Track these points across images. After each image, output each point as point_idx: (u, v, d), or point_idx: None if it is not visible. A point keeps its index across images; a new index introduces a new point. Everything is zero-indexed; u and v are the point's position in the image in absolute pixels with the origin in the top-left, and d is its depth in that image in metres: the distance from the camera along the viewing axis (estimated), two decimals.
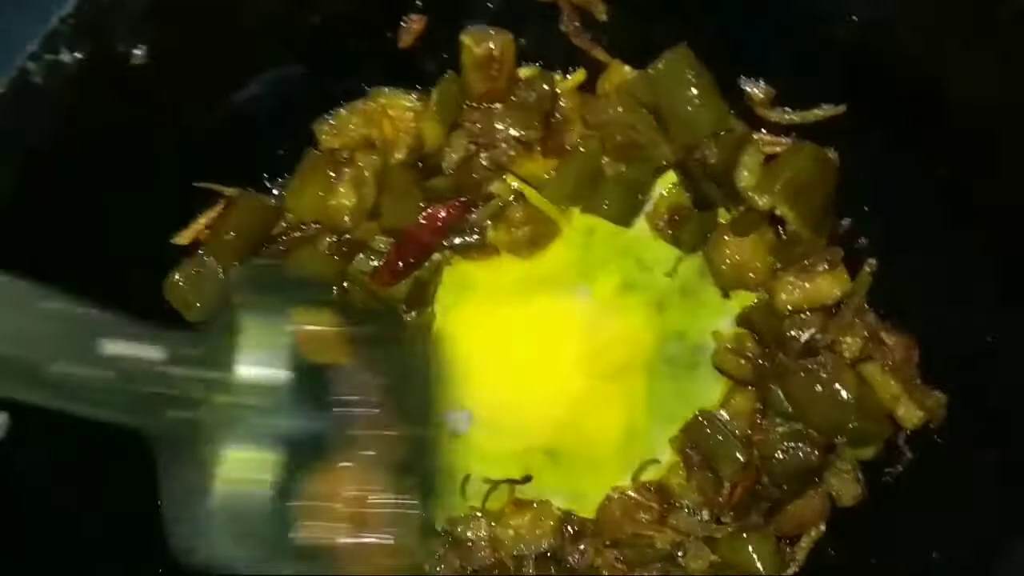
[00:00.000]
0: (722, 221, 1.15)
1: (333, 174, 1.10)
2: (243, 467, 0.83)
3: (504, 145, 1.10)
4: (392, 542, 0.92)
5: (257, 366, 0.86)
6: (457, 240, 1.14)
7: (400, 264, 1.12)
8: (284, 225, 1.14)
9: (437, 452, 1.07)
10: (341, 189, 1.09)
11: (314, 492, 0.85)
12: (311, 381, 0.88)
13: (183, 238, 1.10)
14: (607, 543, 1.17)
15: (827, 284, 1.10)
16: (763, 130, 1.13)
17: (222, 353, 0.85)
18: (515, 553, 1.16)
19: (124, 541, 1.01)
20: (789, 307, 1.10)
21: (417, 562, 1.05)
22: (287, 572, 0.89)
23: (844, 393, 1.09)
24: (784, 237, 1.12)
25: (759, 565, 1.13)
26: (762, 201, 1.09)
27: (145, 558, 1.01)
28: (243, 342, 0.86)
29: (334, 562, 0.88)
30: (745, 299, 1.16)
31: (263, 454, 0.84)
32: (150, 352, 0.78)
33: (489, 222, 1.13)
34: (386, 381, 0.94)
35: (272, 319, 0.89)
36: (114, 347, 0.75)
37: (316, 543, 0.87)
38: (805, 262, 1.09)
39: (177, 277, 1.09)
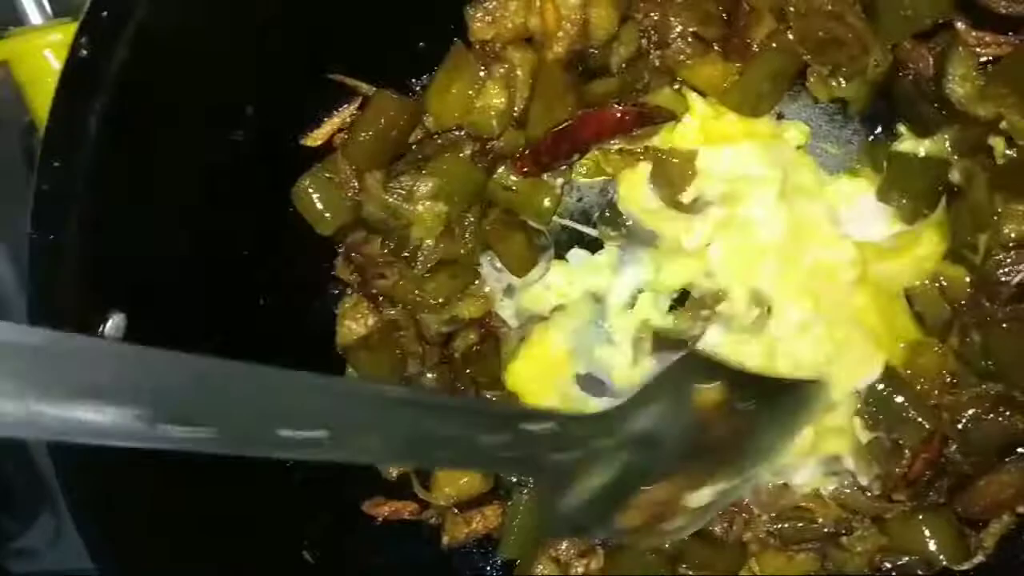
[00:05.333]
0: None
1: (482, 70, 0.99)
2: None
3: (680, 43, 0.98)
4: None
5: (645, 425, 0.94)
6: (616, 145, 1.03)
7: (549, 157, 1.02)
8: (423, 131, 1.04)
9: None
10: (491, 88, 0.99)
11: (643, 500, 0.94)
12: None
13: (314, 139, 1.02)
14: (760, 515, 1.08)
15: None
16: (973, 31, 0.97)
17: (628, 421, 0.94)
18: None
19: None
20: (1013, 239, 0.95)
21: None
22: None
23: None
24: (1007, 158, 0.98)
25: (936, 551, 1.03)
26: (984, 110, 0.95)
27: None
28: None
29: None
30: None
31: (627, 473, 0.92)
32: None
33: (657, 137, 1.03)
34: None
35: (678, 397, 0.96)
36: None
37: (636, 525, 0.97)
38: None
39: (307, 183, 1.01)
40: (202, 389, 0.61)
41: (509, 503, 1.11)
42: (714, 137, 1.03)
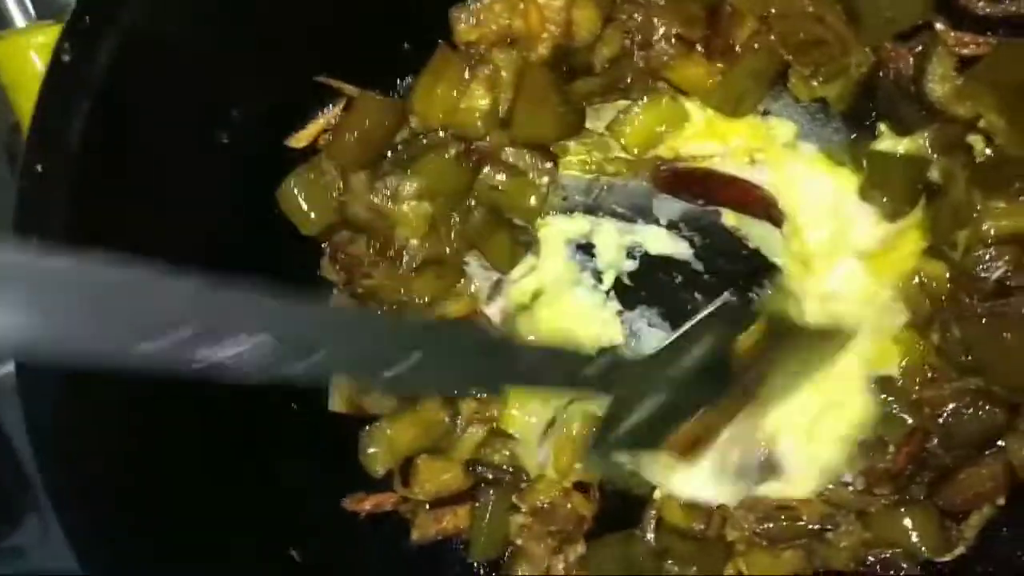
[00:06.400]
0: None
1: (467, 72, 0.99)
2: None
3: (663, 44, 0.98)
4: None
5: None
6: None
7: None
8: (409, 131, 1.04)
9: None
10: (476, 89, 0.99)
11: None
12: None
13: (299, 140, 1.02)
14: (745, 517, 1.08)
15: None
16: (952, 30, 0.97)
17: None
18: None
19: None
20: (992, 236, 0.95)
21: None
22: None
23: None
24: (985, 156, 0.98)
25: (918, 543, 1.03)
26: (963, 109, 0.95)
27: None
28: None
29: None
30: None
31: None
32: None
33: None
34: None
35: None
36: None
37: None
38: (1017, 185, 0.94)
39: (292, 184, 1.02)
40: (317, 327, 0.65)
41: (476, 505, 1.11)
42: (718, 137, 1.04)
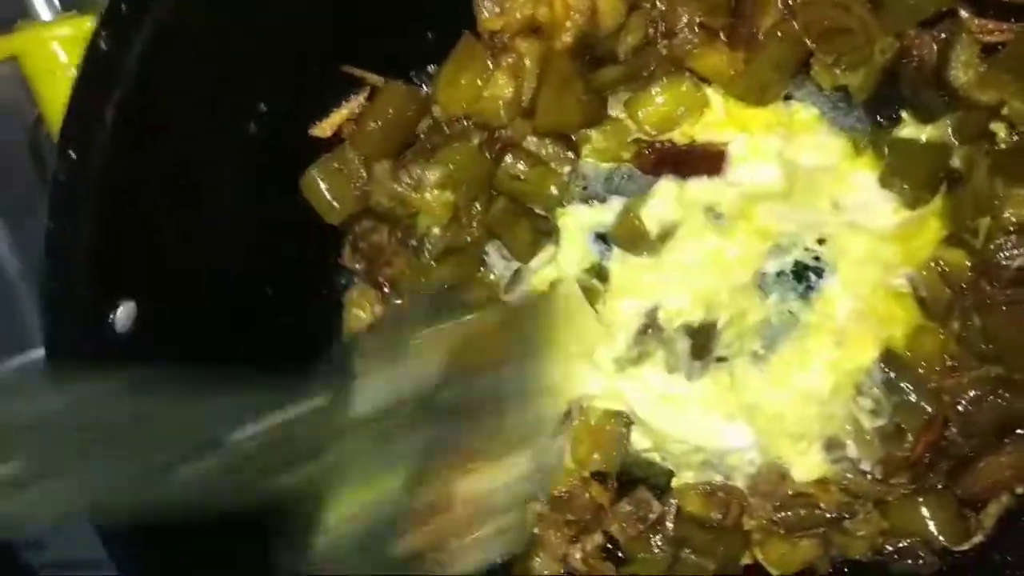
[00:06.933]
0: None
1: (490, 61, 1.00)
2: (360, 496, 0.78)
3: (687, 32, 0.98)
4: (502, 527, 0.88)
5: (376, 398, 0.80)
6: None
7: None
8: (432, 120, 1.05)
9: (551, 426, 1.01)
10: (499, 78, 0.99)
11: (426, 498, 0.80)
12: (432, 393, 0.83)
13: (323, 129, 1.03)
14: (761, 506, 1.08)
15: None
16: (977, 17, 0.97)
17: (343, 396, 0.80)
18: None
19: None
20: (1014, 223, 0.95)
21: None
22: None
23: None
24: (1008, 144, 0.97)
25: (936, 532, 1.04)
26: (987, 96, 0.95)
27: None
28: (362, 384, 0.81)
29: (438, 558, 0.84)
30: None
31: (381, 476, 0.79)
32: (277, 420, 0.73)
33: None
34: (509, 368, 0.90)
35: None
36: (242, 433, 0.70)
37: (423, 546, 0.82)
38: None
39: (316, 173, 1.02)
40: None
41: None
42: (739, 125, 1.04)
